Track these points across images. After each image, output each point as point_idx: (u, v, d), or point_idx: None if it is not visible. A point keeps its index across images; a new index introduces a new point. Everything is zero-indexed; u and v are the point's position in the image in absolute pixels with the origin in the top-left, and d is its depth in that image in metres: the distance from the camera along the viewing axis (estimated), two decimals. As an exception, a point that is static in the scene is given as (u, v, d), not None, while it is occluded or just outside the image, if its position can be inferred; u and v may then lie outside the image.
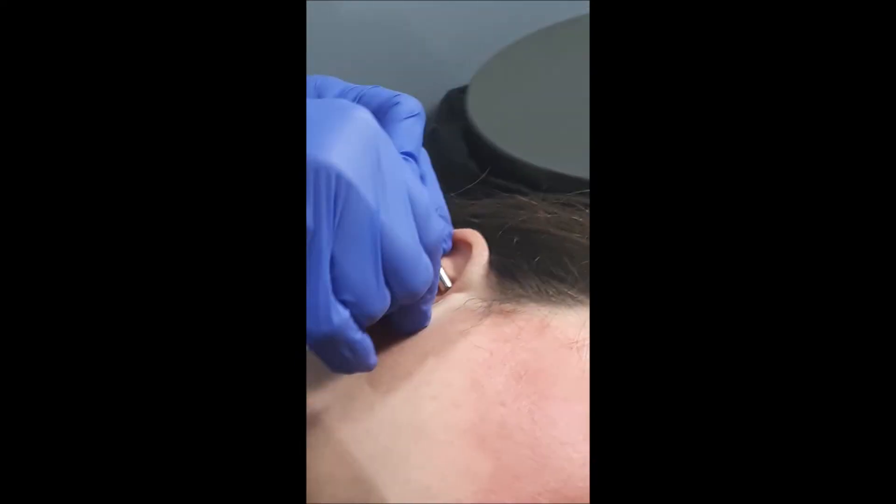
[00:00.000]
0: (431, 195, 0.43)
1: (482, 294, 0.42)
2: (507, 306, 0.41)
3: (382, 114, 0.43)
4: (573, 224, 0.44)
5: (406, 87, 1.05)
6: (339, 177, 0.33)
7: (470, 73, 1.02)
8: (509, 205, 0.47)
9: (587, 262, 0.42)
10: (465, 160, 0.93)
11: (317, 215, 0.33)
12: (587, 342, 0.39)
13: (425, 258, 0.37)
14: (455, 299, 0.41)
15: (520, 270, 0.42)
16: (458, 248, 0.44)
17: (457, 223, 0.44)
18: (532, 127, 0.94)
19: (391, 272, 0.36)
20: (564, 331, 0.40)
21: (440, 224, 0.39)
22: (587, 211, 0.46)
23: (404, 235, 0.36)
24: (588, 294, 0.41)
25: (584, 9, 1.09)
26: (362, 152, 0.34)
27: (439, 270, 0.40)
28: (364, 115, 0.35)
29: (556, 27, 1.09)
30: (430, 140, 0.99)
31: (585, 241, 0.43)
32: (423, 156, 0.44)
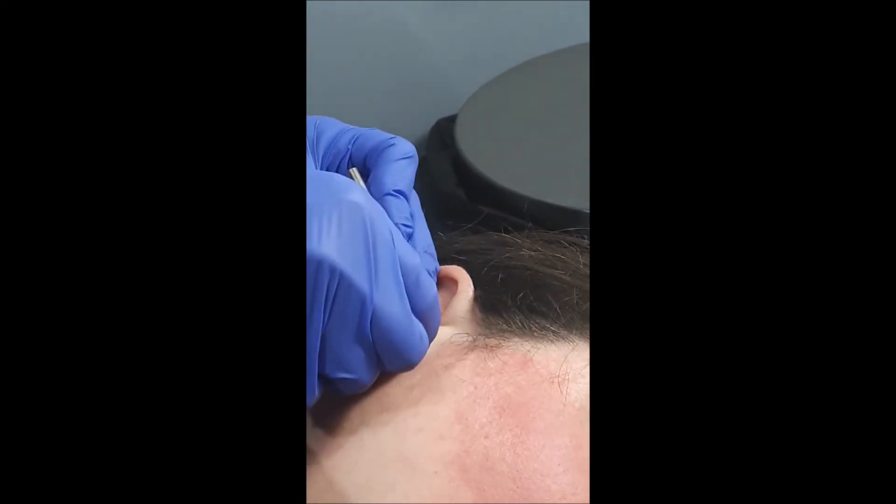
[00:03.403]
0: (420, 234, 0.44)
1: (467, 329, 0.43)
2: (492, 341, 0.42)
3: (377, 154, 0.45)
4: (556, 261, 0.46)
5: (398, 114, 1.07)
6: (333, 268, 0.35)
7: (460, 103, 1.04)
8: (494, 241, 0.48)
9: (569, 298, 0.44)
10: (454, 189, 0.94)
11: (312, 304, 0.36)
12: (568, 376, 0.41)
13: (418, 328, 0.40)
14: (441, 334, 0.43)
15: (504, 306, 0.44)
16: (444, 284, 0.45)
17: (443, 260, 0.46)
18: (520, 156, 0.96)
19: (386, 347, 0.38)
20: (546, 365, 0.41)
21: (430, 285, 0.41)
22: (570, 248, 0.47)
23: (396, 312, 0.38)
24: (569, 329, 0.43)
25: (574, 40, 1.12)
26: (353, 238, 0.36)
27: (437, 326, 0.42)
28: (355, 199, 0.37)
29: (545, 58, 1.11)
30: (420, 168, 1.01)
31: (568, 278, 0.45)
32: (414, 196, 0.46)
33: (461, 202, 0.93)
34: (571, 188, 0.89)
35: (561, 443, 0.39)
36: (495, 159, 0.94)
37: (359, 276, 0.36)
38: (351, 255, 0.36)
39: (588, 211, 0.84)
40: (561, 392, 0.40)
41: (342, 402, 0.41)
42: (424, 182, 0.99)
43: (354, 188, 0.37)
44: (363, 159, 0.47)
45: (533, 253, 0.46)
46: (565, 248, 0.47)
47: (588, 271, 0.45)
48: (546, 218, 0.85)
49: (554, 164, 0.93)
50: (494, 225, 0.53)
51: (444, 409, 0.40)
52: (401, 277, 0.39)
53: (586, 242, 0.48)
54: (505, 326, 0.43)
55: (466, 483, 0.38)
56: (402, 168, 0.45)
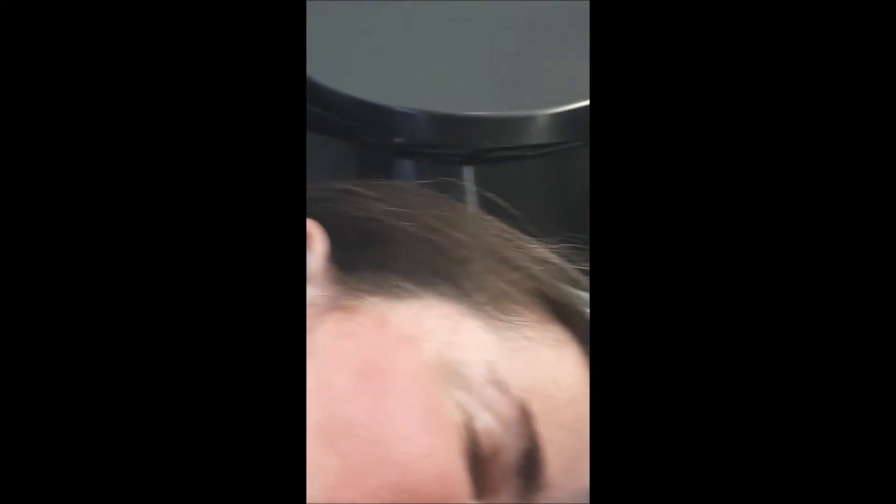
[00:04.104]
0: None
1: (325, 288, 0.43)
2: (349, 301, 0.42)
3: None
4: (403, 213, 0.45)
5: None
6: None
7: None
8: (337, 190, 0.47)
9: (419, 252, 0.44)
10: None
11: None
12: (421, 335, 0.42)
13: None
14: None
15: (357, 263, 0.44)
16: None
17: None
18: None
19: None
20: (400, 325, 0.42)
21: None
22: (419, 199, 0.47)
23: None
24: (418, 285, 0.43)
25: None
26: None
27: None
28: None
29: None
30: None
31: (418, 232, 0.45)
32: None
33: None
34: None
35: (417, 404, 0.40)
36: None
37: None
38: None
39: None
40: (415, 351, 0.41)
41: None
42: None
43: None
44: None
45: (382, 205, 0.46)
46: (415, 197, 0.47)
47: (437, 224, 0.46)
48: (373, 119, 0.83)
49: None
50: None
51: (308, 377, 0.40)
52: None
53: (434, 193, 0.48)
54: (358, 285, 0.43)
55: (330, 450, 0.38)
56: None
